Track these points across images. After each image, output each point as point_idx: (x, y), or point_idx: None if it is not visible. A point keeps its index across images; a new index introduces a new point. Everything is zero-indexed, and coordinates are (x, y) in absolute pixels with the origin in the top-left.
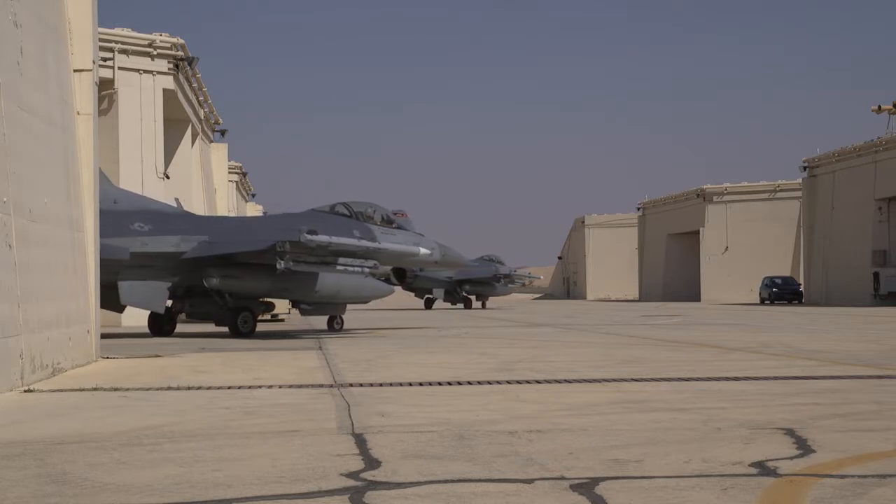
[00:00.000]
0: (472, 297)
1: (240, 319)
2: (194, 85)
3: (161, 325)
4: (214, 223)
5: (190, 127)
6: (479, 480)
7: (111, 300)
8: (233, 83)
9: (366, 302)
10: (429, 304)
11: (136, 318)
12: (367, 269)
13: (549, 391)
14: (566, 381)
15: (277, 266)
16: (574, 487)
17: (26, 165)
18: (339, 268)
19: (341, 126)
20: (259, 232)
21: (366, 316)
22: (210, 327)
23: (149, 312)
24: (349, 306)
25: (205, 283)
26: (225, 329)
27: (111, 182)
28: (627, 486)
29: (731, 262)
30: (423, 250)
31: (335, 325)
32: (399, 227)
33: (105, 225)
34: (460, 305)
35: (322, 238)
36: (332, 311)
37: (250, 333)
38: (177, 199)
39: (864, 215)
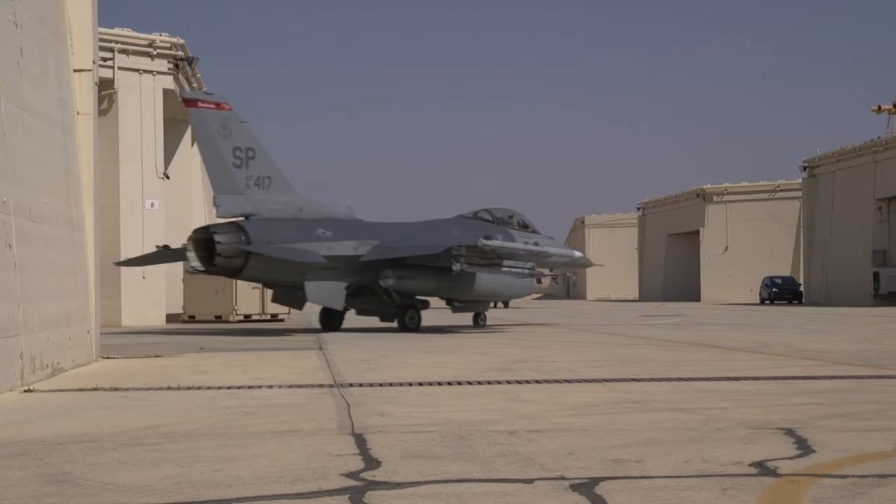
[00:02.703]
0: None
1: (407, 316)
2: (194, 85)
3: (331, 321)
4: (382, 229)
5: (190, 127)
6: (479, 480)
7: (296, 299)
8: (233, 83)
9: (513, 299)
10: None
11: (136, 318)
12: (526, 271)
13: (550, 391)
14: (566, 381)
15: (453, 268)
16: (574, 487)
17: (26, 165)
18: (503, 269)
19: (341, 126)
20: (425, 237)
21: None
22: (374, 322)
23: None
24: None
25: (381, 283)
26: (390, 324)
27: (296, 192)
28: (627, 486)
29: (731, 262)
30: (577, 253)
31: (479, 322)
32: (533, 231)
33: (293, 231)
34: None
35: (495, 243)
36: (480, 308)
37: (416, 328)
38: (349, 207)
39: (864, 215)
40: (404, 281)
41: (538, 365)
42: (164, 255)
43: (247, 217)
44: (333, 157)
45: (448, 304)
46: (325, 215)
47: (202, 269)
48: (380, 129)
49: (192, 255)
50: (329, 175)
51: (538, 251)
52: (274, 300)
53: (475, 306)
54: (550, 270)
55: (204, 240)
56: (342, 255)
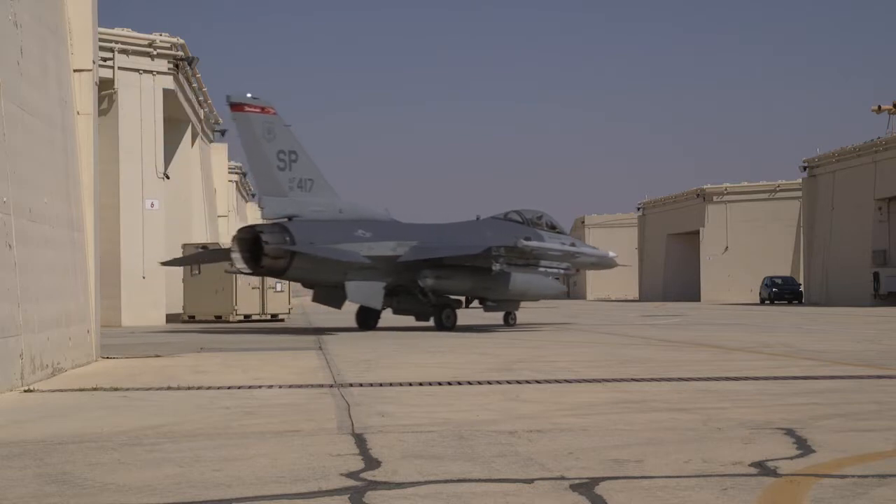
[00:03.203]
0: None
1: (443, 315)
2: (194, 85)
3: (367, 320)
4: (418, 230)
5: (190, 127)
6: (479, 480)
7: (335, 298)
8: (233, 83)
9: (541, 300)
10: None
11: (136, 318)
12: (561, 271)
13: (550, 391)
14: (566, 381)
15: (493, 268)
16: (574, 487)
17: (26, 165)
18: (540, 269)
19: (341, 126)
20: (460, 238)
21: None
22: (409, 321)
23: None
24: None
25: (419, 283)
26: (425, 323)
27: (335, 193)
28: (627, 486)
29: (731, 262)
30: (611, 254)
31: (510, 321)
32: (560, 232)
33: (334, 232)
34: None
35: (535, 243)
36: (511, 307)
37: (452, 327)
38: (386, 209)
39: (864, 215)
40: (443, 281)
41: (538, 365)
42: (207, 255)
43: (290, 218)
44: (333, 157)
45: (481, 303)
46: (364, 216)
47: (248, 270)
48: (379, 129)
49: (236, 256)
50: (329, 175)
51: (574, 252)
52: (314, 300)
53: (507, 306)
54: (577, 271)
55: (249, 240)
56: (381, 255)
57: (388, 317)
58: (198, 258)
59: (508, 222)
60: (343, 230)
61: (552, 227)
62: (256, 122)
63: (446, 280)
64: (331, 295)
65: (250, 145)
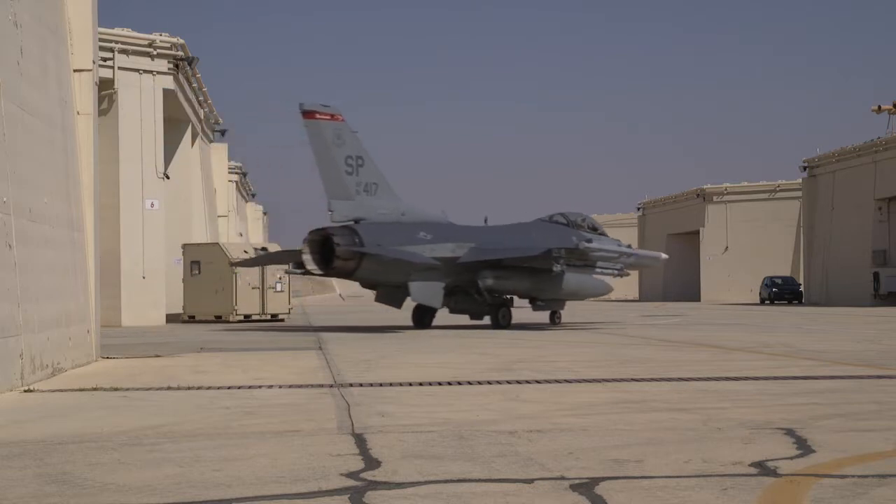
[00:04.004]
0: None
1: (500, 314)
2: (194, 85)
3: (423, 318)
4: (474, 232)
5: (190, 127)
6: (479, 480)
7: (397, 298)
8: (233, 83)
9: (589, 299)
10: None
11: (136, 318)
12: (615, 271)
13: (550, 391)
14: (566, 381)
15: (553, 268)
16: (574, 487)
17: (26, 165)
18: (597, 270)
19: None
20: (512, 239)
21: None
22: (464, 319)
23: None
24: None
25: (479, 283)
26: (480, 322)
27: (397, 197)
28: (627, 486)
29: (731, 262)
30: (663, 256)
31: (556, 320)
32: (601, 234)
33: (398, 234)
34: None
35: (595, 245)
36: (558, 306)
37: (508, 325)
38: (443, 211)
39: (864, 215)
40: (501, 281)
41: (538, 365)
42: (275, 256)
43: (356, 221)
44: None
45: (531, 302)
46: (424, 219)
47: (319, 272)
48: (379, 129)
49: (307, 257)
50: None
51: (630, 253)
52: (377, 300)
53: (554, 305)
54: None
55: (319, 242)
56: (442, 256)
57: (442, 315)
58: (266, 259)
59: (554, 224)
60: (406, 232)
61: (594, 229)
62: (327, 128)
63: (505, 280)
64: (393, 295)
65: (320, 151)
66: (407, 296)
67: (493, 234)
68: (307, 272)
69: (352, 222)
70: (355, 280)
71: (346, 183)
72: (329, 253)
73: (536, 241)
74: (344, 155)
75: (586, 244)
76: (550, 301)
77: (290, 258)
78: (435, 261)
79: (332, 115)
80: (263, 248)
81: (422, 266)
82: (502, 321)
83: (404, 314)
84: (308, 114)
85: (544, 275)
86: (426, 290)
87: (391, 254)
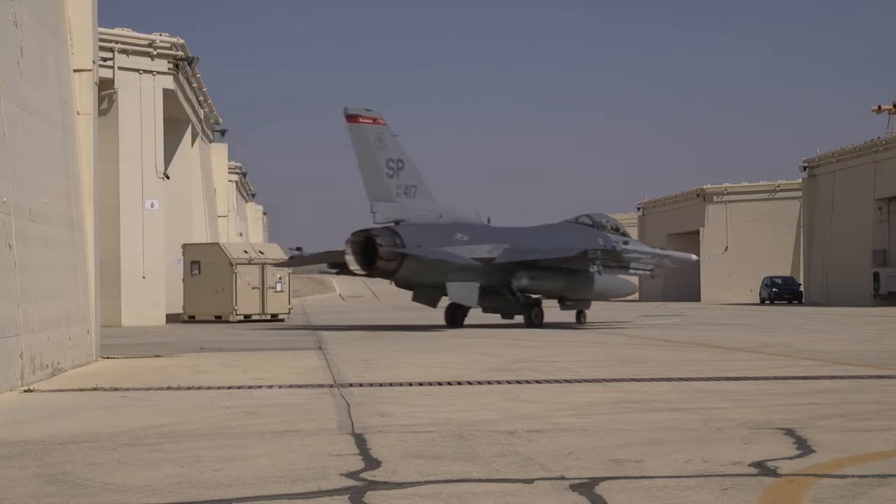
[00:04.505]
0: None
1: (532, 313)
2: (194, 85)
3: (456, 317)
4: (508, 233)
5: (190, 127)
6: (479, 480)
7: (433, 298)
8: (233, 83)
9: (616, 299)
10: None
11: (136, 318)
12: (647, 272)
13: (550, 391)
14: (566, 381)
15: (590, 269)
16: (574, 487)
17: (26, 165)
18: (630, 271)
19: (341, 126)
20: (545, 241)
21: (355, 314)
22: (495, 319)
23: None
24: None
25: (513, 284)
26: (513, 320)
27: (434, 198)
28: (627, 486)
29: (731, 262)
30: (693, 257)
31: (581, 319)
32: (624, 234)
33: (437, 235)
34: None
35: (631, 247)
36: (585, 306)
37: (540, 325)
38: (477, 212)
39: (864, 215)
40: (536, 281)
41: (538, 365)
42: (321, 256)
43: (397, 223)
44: (334, 157)
45: (559, 301)
46: (460, 220)
47: (362, 272)
48: None
49: (350, 258)
50: (330, 175)
51: (663, 254)
52: (414, 299)
53: (582, 304)
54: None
55: (361, 243)
56: (479, 257)
57: (472, 315)
58: (313, 258)
59: (580, 226)
60: (444, 233)
61: (616, 230)
62: (370, 132)
63: (540, 281)
64: (430, 295)
65: (363, 154)
66: (443, 295)
67: (526, 236)
68: (344, 272)
69: (393, 224)
70: (394, 280)
71: (388, 185)
72: (371, 254)
73: (568, 243)
74: (385, 158)
75: (623, 246)
76: (579, 301)
77: (332, 259)
78: (474, 261)
79: (375, 119)
80: (298, 248)
81: (461, 266)
82: (535, 320)
83: (413, 313)
84: (352, 118)
85: (578, 275)
86: (463, 290)
87: (432, 255)
